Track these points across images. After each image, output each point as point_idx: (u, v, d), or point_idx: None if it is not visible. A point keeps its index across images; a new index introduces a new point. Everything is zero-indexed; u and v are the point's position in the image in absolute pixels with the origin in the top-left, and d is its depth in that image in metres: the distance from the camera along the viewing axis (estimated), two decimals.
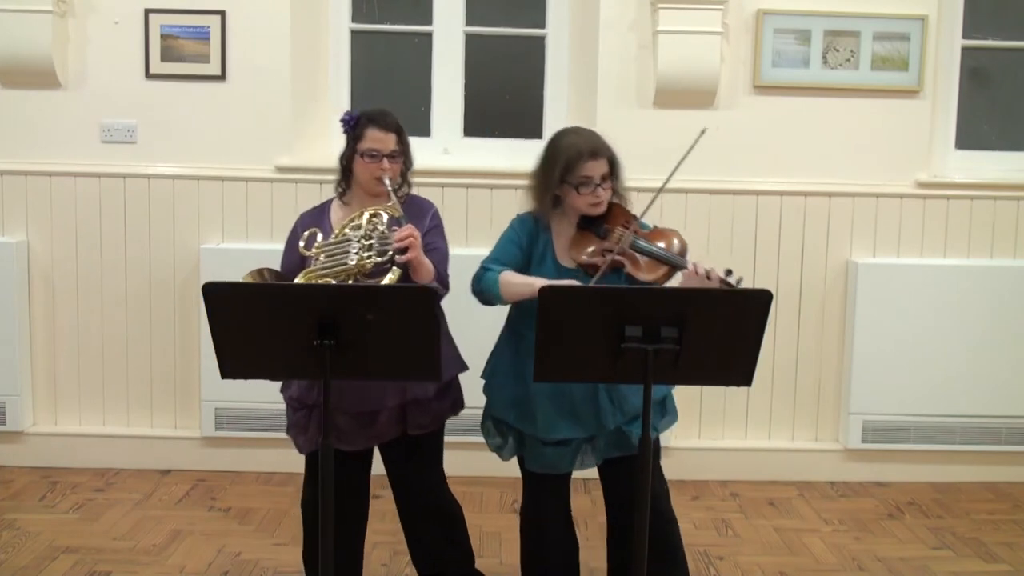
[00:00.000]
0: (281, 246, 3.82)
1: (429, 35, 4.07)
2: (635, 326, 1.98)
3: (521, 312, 2.52)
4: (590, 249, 2.49)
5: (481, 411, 2.67)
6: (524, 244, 2.56)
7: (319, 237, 2.60)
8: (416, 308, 2.07)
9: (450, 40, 4.07)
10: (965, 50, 4.04)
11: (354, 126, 2.62)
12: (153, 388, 3.97)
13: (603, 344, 2.01)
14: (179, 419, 3.98)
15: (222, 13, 3.80)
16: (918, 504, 3.74)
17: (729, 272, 2.36)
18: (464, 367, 2.71)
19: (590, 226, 2.52)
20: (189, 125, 3.86)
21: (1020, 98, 4.17)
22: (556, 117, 4.06)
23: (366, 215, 2.55)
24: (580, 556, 2.69)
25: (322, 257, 2.53)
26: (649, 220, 2.58)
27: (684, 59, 3.76)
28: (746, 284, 2.38)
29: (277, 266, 2.68)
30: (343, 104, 4.07)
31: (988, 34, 4.07)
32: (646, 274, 2.43)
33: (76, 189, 3.88)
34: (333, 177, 3.83)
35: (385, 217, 2.52)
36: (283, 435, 3.86)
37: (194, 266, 3.86)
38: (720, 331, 2.04)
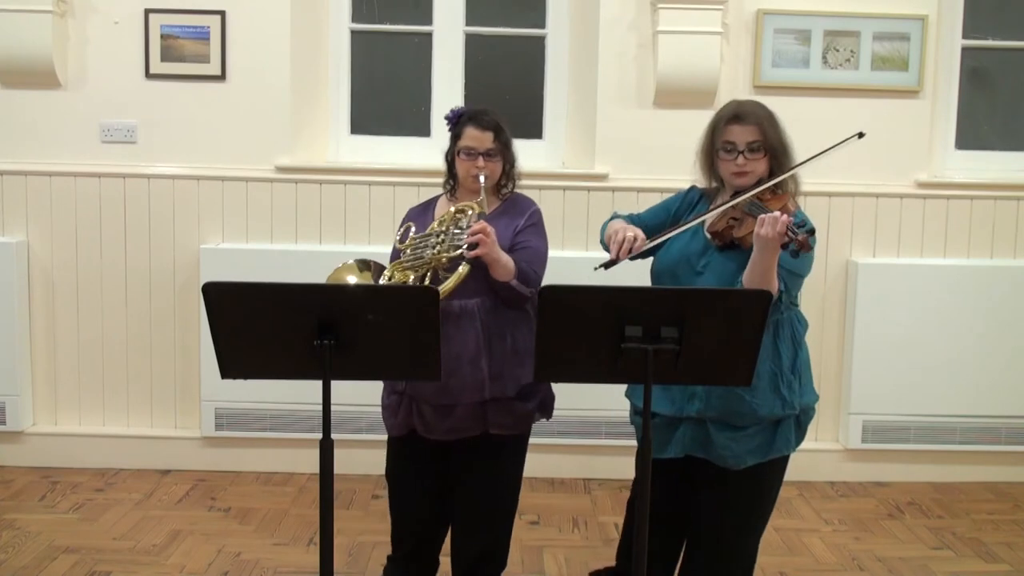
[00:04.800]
0: (281, 246, 3.88)
1: (429, 35, 4.07)
2: (635, 326, 1.98)
3: None
4: (725, 217, 2.39)
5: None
6: (674, 210, 2.59)
7: (412, 231, 2.61)
8: (416, 308, 2.07)
9: (450, 40, 4.07)
10: (965, 50, 4.04)
11: (455, 124, 2.64)
12: (153, 388, 3.97)
13: (603, 344, 2.01)
14: (179, 419, 3.98)
15: (222, 13, 3.80)
16: (918, 504, 3.74)
17: (801, 225, 2.24)
18: None
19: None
20: (189, 125, 3.86)
21: (1020, 98, 4.17)
22: (556, 117, 4.07)
23: (452, 210, 2.55)
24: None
25: (408, 251, 2.54)
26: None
27: (684, 59, 3.76)
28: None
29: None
30: (343, 104, 4.07)
31: (988, 34, 4.07)
32: (744, 231, 2.33)
33: (76, 189, 3.88)
34: (335, 177, 3.90)
35: (470, 213, 2.50)
36: (283, 435, 3.90)
37: (194, 266, 3.86)
38: (720, 331, 2.04)
